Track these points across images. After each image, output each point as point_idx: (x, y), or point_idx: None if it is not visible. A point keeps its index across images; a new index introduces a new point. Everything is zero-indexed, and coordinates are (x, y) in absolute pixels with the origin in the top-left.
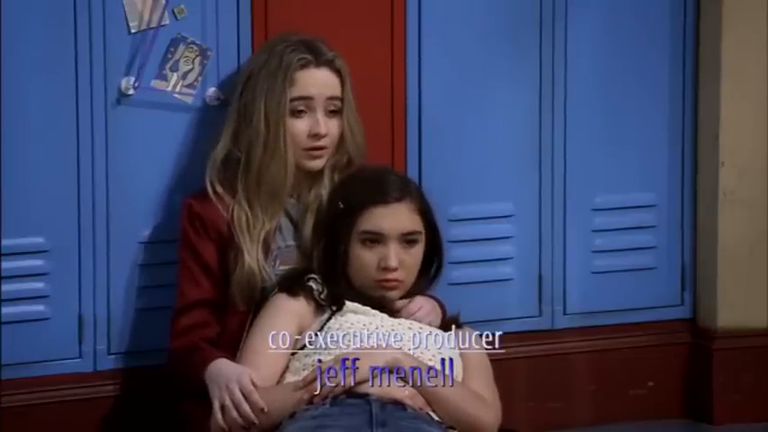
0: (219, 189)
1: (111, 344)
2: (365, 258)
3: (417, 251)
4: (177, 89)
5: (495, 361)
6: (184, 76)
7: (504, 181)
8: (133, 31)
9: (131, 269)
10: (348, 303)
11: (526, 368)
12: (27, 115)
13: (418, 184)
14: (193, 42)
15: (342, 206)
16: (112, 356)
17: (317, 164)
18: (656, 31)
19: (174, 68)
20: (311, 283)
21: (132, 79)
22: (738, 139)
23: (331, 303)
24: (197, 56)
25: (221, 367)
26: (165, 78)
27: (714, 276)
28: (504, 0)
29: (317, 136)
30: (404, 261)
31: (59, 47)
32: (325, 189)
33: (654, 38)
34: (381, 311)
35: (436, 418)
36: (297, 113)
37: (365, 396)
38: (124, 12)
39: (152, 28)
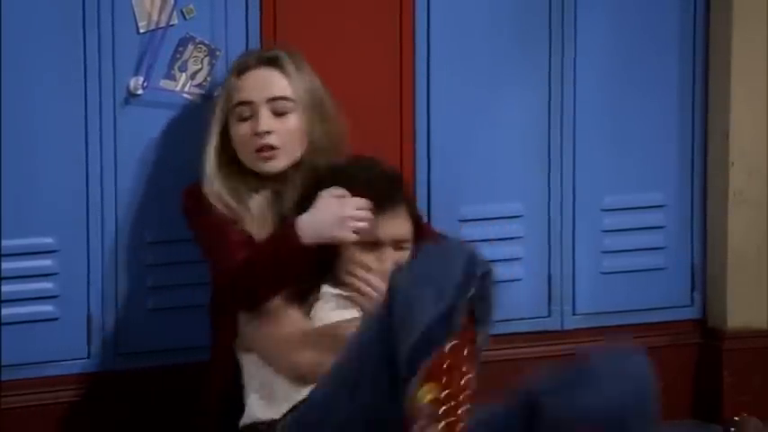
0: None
1: (119, 344)
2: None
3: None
4: (186, 89)
5: (504, 361)
6: (193, 75)
7: (513, 181)
8: (142, 30)
9: (140, 269)
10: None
11: (535, 368)
12: (35, 115)
13: (406, 182)
14: (202, 42)
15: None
16: (121, 357)
17: (271, 165)
18: (665, 31)
19: (183, 68)
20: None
21: (141, 79)
22: (749, 139)
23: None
24: (205, 56)
25: (313, 218)
26: (173, 78)
27: (724, 277)
28: (513, 1)
29: (258, 135)
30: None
31: (68, 47)
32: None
33: (663, 38)
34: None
35: None
36: (242, 119)
37: None
38: (133, 11)
39: (161, 28)
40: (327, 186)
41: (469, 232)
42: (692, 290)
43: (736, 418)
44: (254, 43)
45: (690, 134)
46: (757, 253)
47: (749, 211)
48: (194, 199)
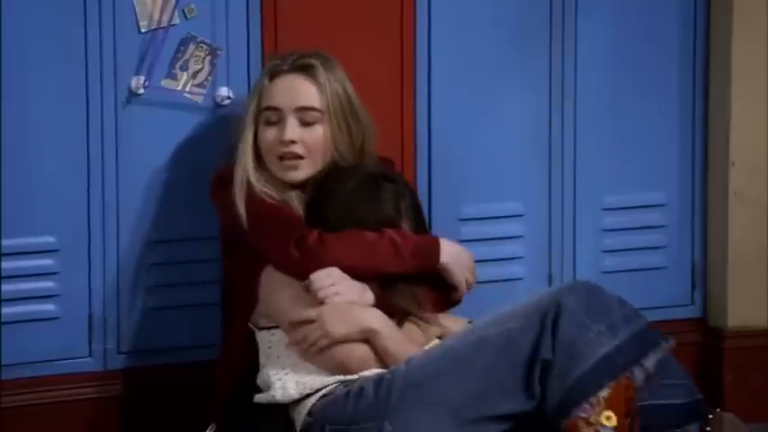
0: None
1: (120, 343)
2: None
3: None
4: (187, 89)
5: None
6: (194, 75)
7: (513, 181)
8: (143, 30)
9: (141, 268)
10: None
11: None
12: (37, 114)
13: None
14: (203, 42)
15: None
16: (122, 355)
17: (293, 175)
18: (665, 31)
19: (184, 68)
20: None
21: (142, 78)
22: (749, 138)
23: None
24: (207, 55)
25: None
26: (174, 78)
27: (724, 276)
28: (514, 2)
29: (283, 142)
30: None
31: (69, 46)
32: None
33: (663, 38)
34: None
35: None
36: (269, 123)
37: None
38: (134, 11)
39: (162, 27)
40: (320, 192)
41: (470, 232)
42: (693, 289)
43: (710, 416)
44: (255, 43)
45: (690, 134)
46: (758, 252)
47: (750, 211)
48: (229, 188)
